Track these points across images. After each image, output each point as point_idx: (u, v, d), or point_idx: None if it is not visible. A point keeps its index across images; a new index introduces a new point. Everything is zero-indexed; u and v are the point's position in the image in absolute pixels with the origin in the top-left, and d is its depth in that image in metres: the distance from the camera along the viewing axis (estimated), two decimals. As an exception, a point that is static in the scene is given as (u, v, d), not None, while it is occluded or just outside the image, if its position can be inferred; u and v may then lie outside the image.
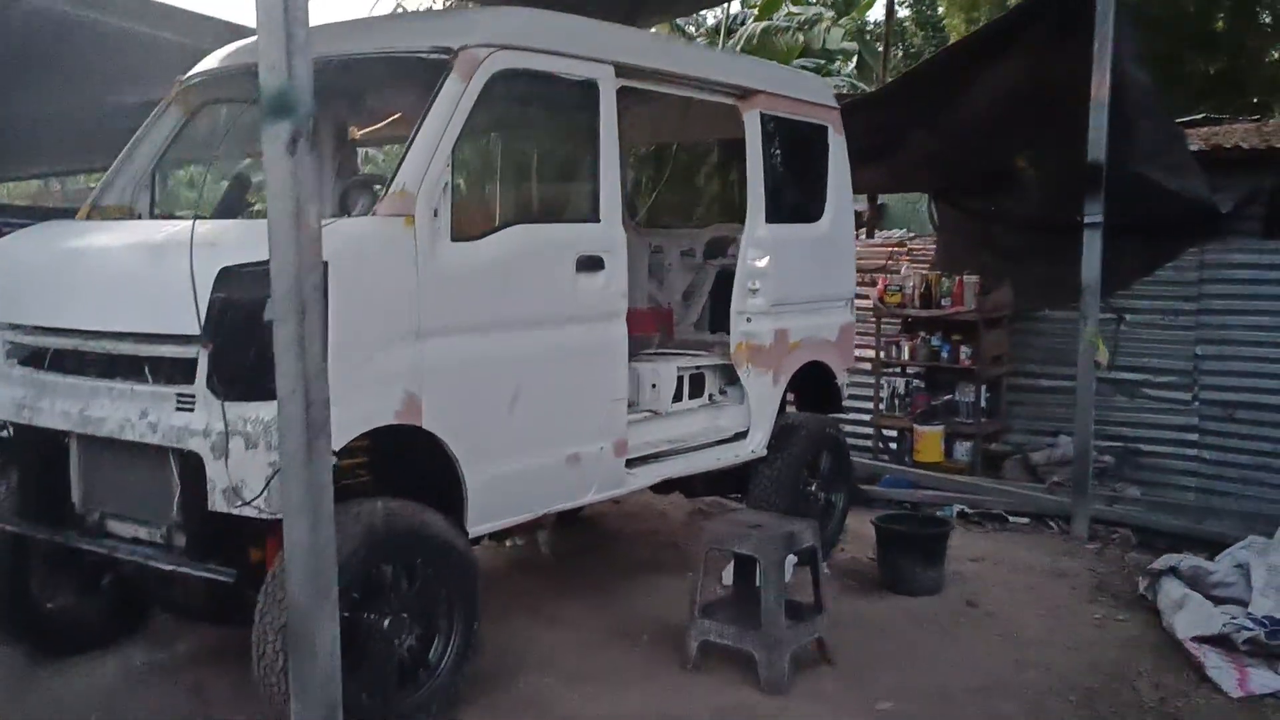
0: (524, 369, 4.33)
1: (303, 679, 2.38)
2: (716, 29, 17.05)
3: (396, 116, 5.70)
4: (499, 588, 5.51)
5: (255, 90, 4.61)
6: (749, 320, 5.75)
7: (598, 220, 4.69)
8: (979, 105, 7.63)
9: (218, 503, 3.54)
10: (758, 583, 4.89)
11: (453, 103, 4.02)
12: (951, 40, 15.04)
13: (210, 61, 4.90)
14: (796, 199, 6.14)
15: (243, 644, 4.73)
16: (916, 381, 8.64)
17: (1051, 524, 7.14)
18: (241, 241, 3.66)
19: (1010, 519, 7.24)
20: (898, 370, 8.68)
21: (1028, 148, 8.03)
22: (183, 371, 3.67)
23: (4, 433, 4.25)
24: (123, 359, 3.83)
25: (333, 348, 3.51)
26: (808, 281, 6.11)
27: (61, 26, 6.33)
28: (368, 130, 5.71)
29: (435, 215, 3.92)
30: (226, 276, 3.55)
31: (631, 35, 5.40)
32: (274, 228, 2.32)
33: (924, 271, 8.59)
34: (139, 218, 4.80)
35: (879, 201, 11.51)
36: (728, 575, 5.78)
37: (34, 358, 4.16)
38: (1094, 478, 7.11)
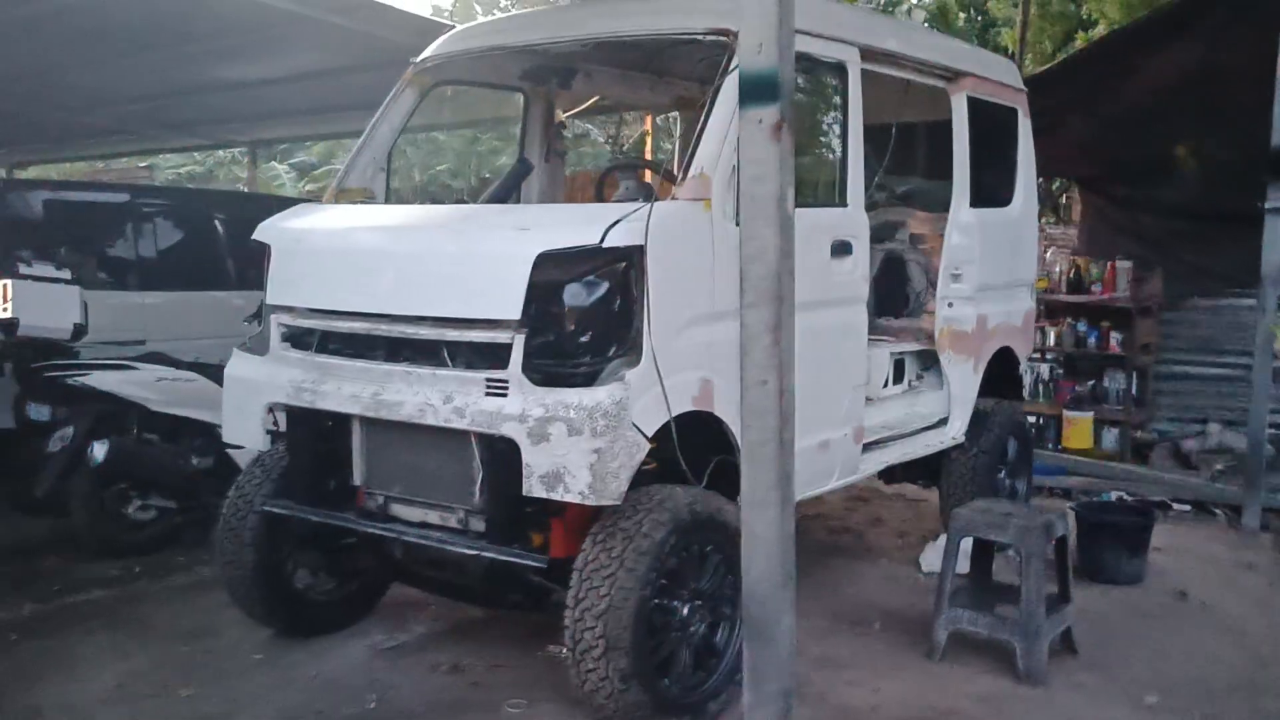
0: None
1: (759, 667, 2.37)
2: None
3: (596, 98, 5.68)
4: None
5: (487, 71, 4.59)
6: (950, 305, 5.70)
7: (845, 205, 4.65)
8: (1143, 92, 7.54)
9: (534, 488, 3.52)
10: (993, 569, 4.90)
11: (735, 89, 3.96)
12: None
13: (448, 44, 4.86)
14: (992, 182, 6.08)
15: (480, 623, 4.81)
16: (1058, 368, 8.57)
17: (1216, 512, 7.09)
18: (554, 225, 3.63)
19: (1173, 507, 7.18)
20: (1040, 356, 8.60)
21: (1189, 137, 7.90)
22: (491, 356, 3.65)
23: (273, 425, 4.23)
24: (418, 343, 3.81)
25: (648, 333, 3.55)
26: (1003, 266, 6.07)
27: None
28: (573, 110, 5.68)
29: (725, 200, 3.89)
30: (544, 261, 3.53)
31: (871, 18, 5.35)
32: (753, 212, 2.28)
33: (1072, 257, 8.50)
34: (376, 200, 4.77)
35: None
36: (926, 562, 5.78)
37: (306, 340, 4.15)
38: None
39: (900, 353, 5.73)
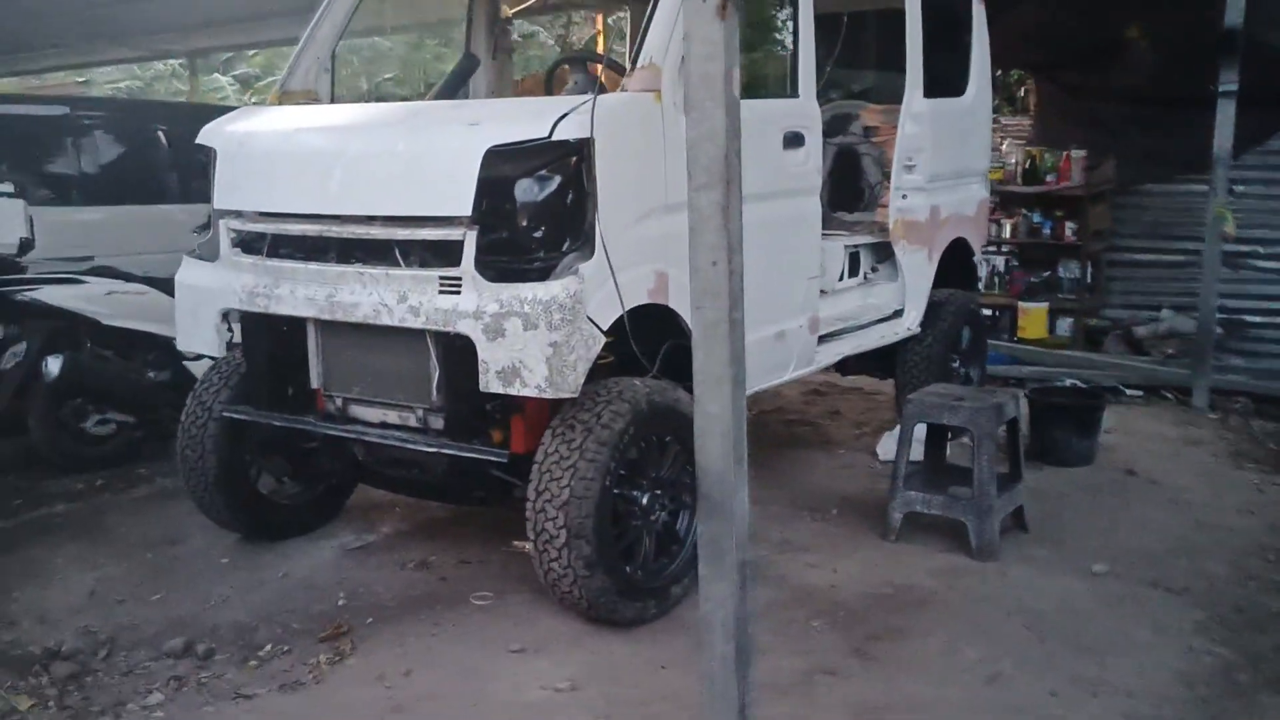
0: (745, 244, 4.31)
1: (717, 544, 2.43)
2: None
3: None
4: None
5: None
6: (904, 197, 5.73)
7: (797, 95, 4.63)
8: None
9: (491, 384, 3.55)
10: (947, 454, 5.02)
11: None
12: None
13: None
14: (946, 72, 6.05)
15: (446, 521, 4.88)
16: (1013, 260, 8.65)
17: (1167, 396, 7.27)
18: (502, 119, 3.59)
19: (1125, 392, 7.35)
20: (996, 248, 8.66)
21: (1142, 16, 7.87)
22: (444, 254, 3.64)
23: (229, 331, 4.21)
24: (370, 243, 3.79)
25: (600, 227, 3.55)
26: (956, 156, 6.09)
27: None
28: (520, 6, 5.56)
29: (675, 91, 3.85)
30: (494, 155, 3.51)
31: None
32: (699, 94, 2.27)
33: (1026, 148, 8.52)
34: (320, 101, 4.69)
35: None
36: (883, 450, 5.90)
37: (257, 245, 4.11)
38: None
39: (855, 245, 5.77)
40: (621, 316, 3.71)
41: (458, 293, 3.59)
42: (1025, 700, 3.37)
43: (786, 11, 4.62)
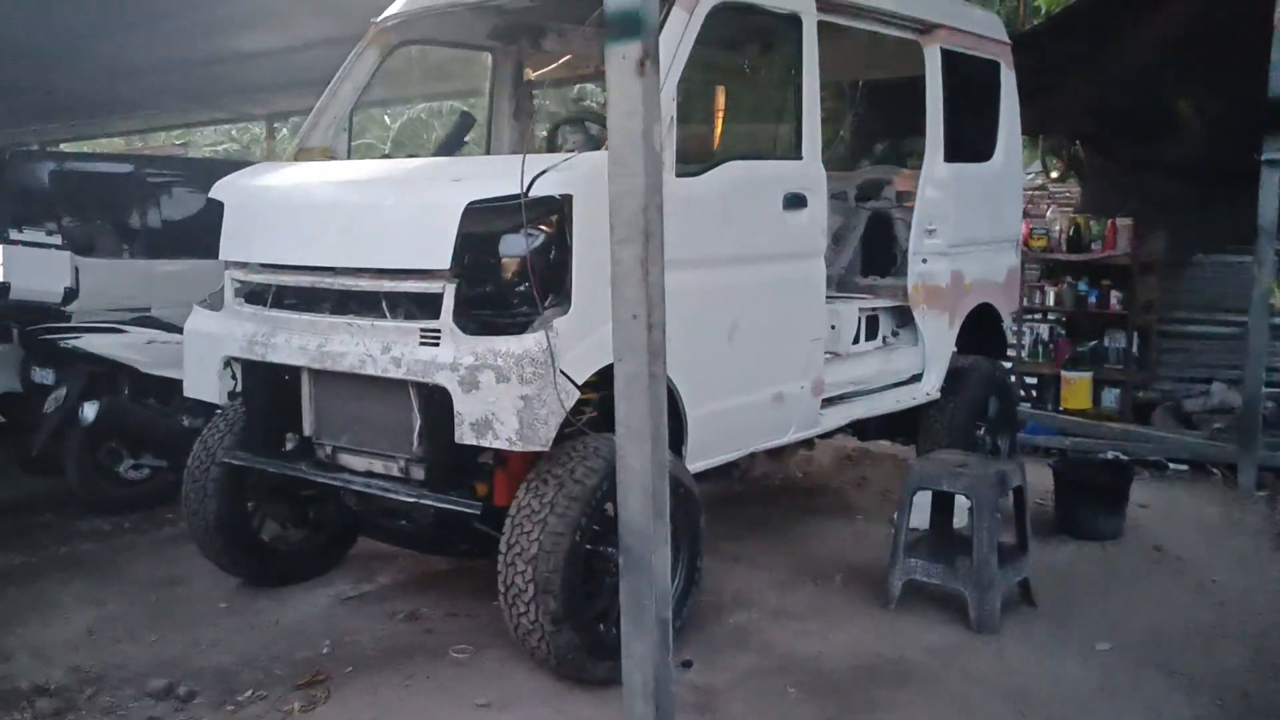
0: (739, 305, 4.33)
1: (638, 598, 2.41)
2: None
3: (567, 57, 5.69)
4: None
5: (452, 30, 4.62)
6: (925, 261, 5.67)
7: (800, 158, 4.64)
8: (1144, 47, 7.37)
9: (465, 436, 3.58)
10: (955, 523, 4.89)
11: (678, 35, 3.97)
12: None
13: (406, 2, 4.89)
14: (971, 137, 6.01)
15: (444, 574, 4.90)
16: (1059, 328, 8.48)
17: (1214, 471, 7.00)
18: (486, 176, 3.66)
19: (1170, 467, 7.10)
20: (1040, 316, 8.51)
21: (1191, 93, 7.75)
22: (426, 306, 3.71)
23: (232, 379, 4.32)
24: (360, 295, 3.88)
25: (577, 283, 3.58)
26: (981, 222, 6.02)
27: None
28: (543, 70, 5.69)
29: (662, 150, 3.89)
30: (474, 211, 3.57)
31: (828, -31, 5.29)
32: (619, 150, 2.31)
33: (1071, 215, 8.39)
34: (338, 158, 4.84)
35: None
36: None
37: (262, 295, 4.23)
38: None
39: (874, 309, 5.72)
40: (603, 370, 3.73)
41: (437, 344, 3.65)
42: (998, 784, 3.24)
43: (791, 75, 4.60)
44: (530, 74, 5.67)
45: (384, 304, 3.82)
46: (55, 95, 11.20)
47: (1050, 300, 8.31)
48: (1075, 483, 5.67)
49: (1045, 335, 8.41)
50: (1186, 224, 8.07)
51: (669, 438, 3.98)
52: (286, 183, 4.35)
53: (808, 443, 5.44)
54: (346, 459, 4.12)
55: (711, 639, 4.25)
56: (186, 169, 9.51)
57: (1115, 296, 7.98)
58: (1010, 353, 8.53)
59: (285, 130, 15.81)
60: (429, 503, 3.79)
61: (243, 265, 4.25)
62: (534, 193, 3.53)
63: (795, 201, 4.56)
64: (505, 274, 3.58)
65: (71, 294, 6.26)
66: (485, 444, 3.56)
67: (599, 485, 3.63)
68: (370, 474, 4.03)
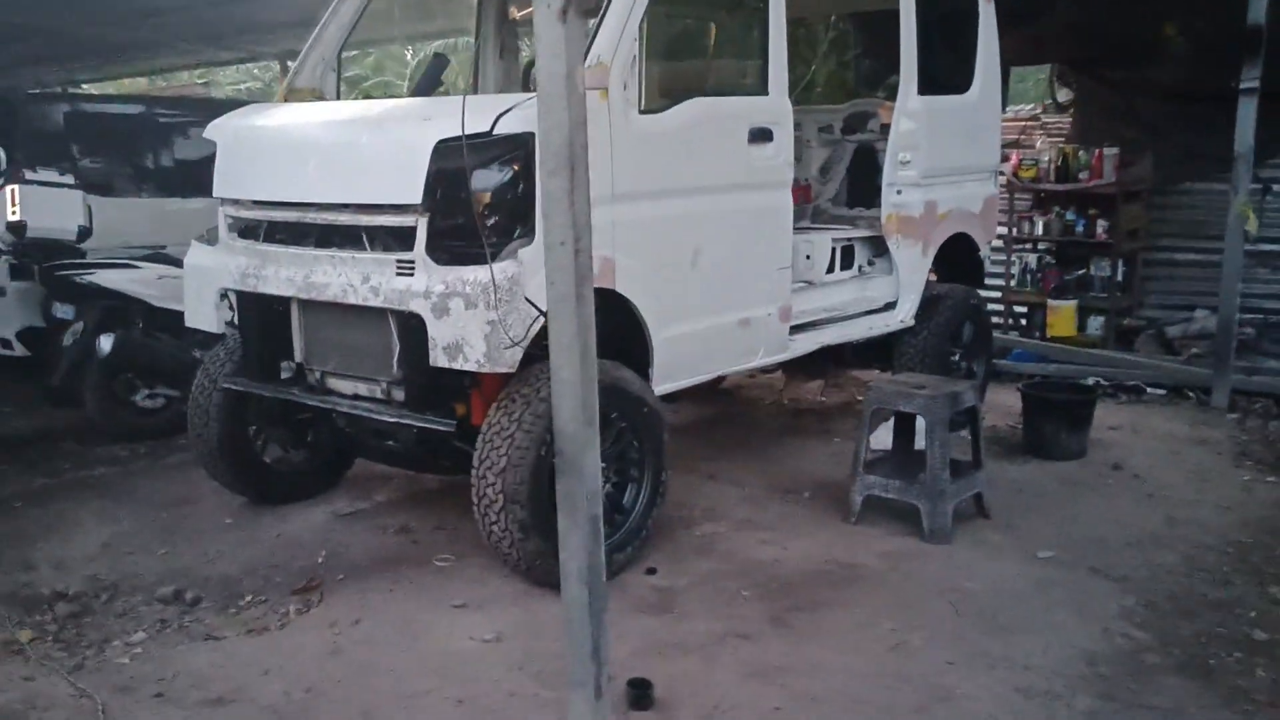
0: (702, 234, 4.55)
1: (572, 498, 2.68)
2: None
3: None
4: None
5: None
6: (899, 192, 5.87)
7: (766, 93, 4.82)
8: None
9: (439, 359, 3.86)
10: (917, 443, 5.14)
11: (640, -22, 4.15)
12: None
13: (389, -56, 5.09)
14: (947, 69, 6.15)
15: (435, 492, 5.21)
16: (1048, 257, 8.63)
17: (1190, 395, 7.20)
18: (455, 115, 3.89)
19: (1147, 390, 7.31)
20: (1030, 245, 8.67)
21: (1178, 13, 7.79)
22: (401, 239, 3.97)
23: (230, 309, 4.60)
24: (342, 229, 4.14)
25: (540, 214, 3.81)
26: (956, 153, 6.17)
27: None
28: (525, 11, 5.86)
29: (625, 88, 4.10)
30: (443, 148, 3.81)
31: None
32: (546, 89, 2.52)
33: (1060, 145, 8.49)
34: (326, 99, 5.06)
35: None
36: (876, 439, 6.03)
37: (253, 230, 4.50)
38: (1234, 350, 7.10)
39: (849, 239, 5.92)
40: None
41: (411, 274, 3.91)
42: (921, 669, 3.53)
43: (757, 13, 4.77)
44: (515, 13, 5.85)
45: (364, 237, 4.08)
46: (78, 38, 11.44)
47: (1039, 230, 8.45)
48: (1041, 404, 5.90)
49: (1033, 265, 8.56)
50: (1174, 148, 8.17)
51: (637, 360, 4.35)
52: (274, 123, 4.59)
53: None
54: (335, 383, 4.41)
55: (679, 547, 4.56)
56: (197, 109, 9.76)
57: (1101, 225, 8.11)
58: (1000, 281, 8.73)
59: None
60: (408, 422, 4.08)
61: (235, 202, 4.52)
62: (499, 131, 3.76)
63: (761, 135, 4.75)
64: (471, 207, 3.82)
65: (85, 232, 6.55)
66: (456, 366, 3.83)
67: (563, 403, 3.90)
68: (356, 397, 4.32)
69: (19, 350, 6.91)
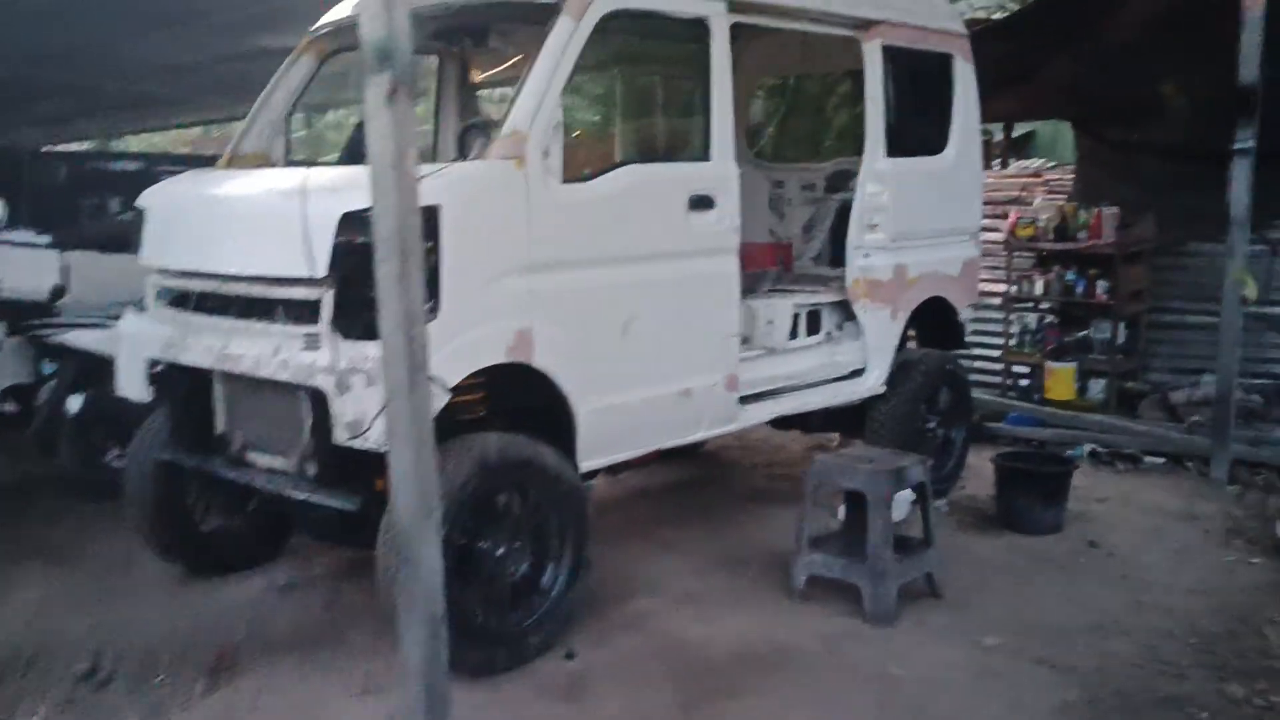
0: (636, 303, 4.44)
1: (410, 593, 2.57)
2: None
3: (516, 59, 5.81)
4: (616, 515, 5.73)
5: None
6: (866, 255, 5.72)
7: (708, 159, 4.72)
8: (1126, 29, 7.27)
9: (341, 435, 3.77)
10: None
11: (563, 43, 4.09)
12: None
13: (339, 11, 5.09)
14: (919, 131, 6.01)
15: (368, 564, 5.11)
16: (1049, 318, 8.39)
17: (1189, 465, 6.90)
18: (362, 186, 3.82)
19: (1145, 459, 7.02)
20: (1029, 306, 8.43)
21: (1177, 73, 7.59)
22: (309, 312, 3.90)
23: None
24: (257, 300, 4.09)
25: (446, 289, 3.73)
26: (929, 215, 6.01)
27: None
28: (487, 74, 5.84)
29: (546, 156, 4.03)
30: (348, 221, 3.75)
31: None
32: (376, 174, 2.46)
33: (1059, 203, 8.28)
34: (274, 164, 5.05)
35: (1016, 130, 11.10)
36: (840, 511, 5.83)
37: (180, 300, 4.48)
38: (1240, 418, 6.78)
39: (815, 304, 5.77)
40: (482, 373, 3.90)
41: (317, 349, 3.84)
42: (824, 771, 3.34)
43: (698, 78, 4.68)
44: (476, 76, 5.83)
45: (278, 309, 4.02)
46: (93, 92, 11.73)
47: (1039, 289, 8.22)
48: (1014, 476, 5.67)
49: (1032, 325, 8.32)
50: (1177, 208, 7.92)
51: (559, 433, 4.23)
52: (202, 191, 4.58)
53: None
54: (253, 456, 4.34)
55: (607, 626, 4.39)
56: (195, 165, 9.90)
57: (1101, 286, 7.86)
58: (999, 341, 8.50)
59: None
60: (315, 500, 3.98)
61: (162, 271, 4.50)
62: (402, 202, 3.68)
63: (701, 203, 4.64)
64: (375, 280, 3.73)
65: (59, 291, 6.61)
66: (357, 445, 3.74)
67: (467, 482, 3.79)
68: (272, 470, 4.25)
69: (9, 407, 6.98)
